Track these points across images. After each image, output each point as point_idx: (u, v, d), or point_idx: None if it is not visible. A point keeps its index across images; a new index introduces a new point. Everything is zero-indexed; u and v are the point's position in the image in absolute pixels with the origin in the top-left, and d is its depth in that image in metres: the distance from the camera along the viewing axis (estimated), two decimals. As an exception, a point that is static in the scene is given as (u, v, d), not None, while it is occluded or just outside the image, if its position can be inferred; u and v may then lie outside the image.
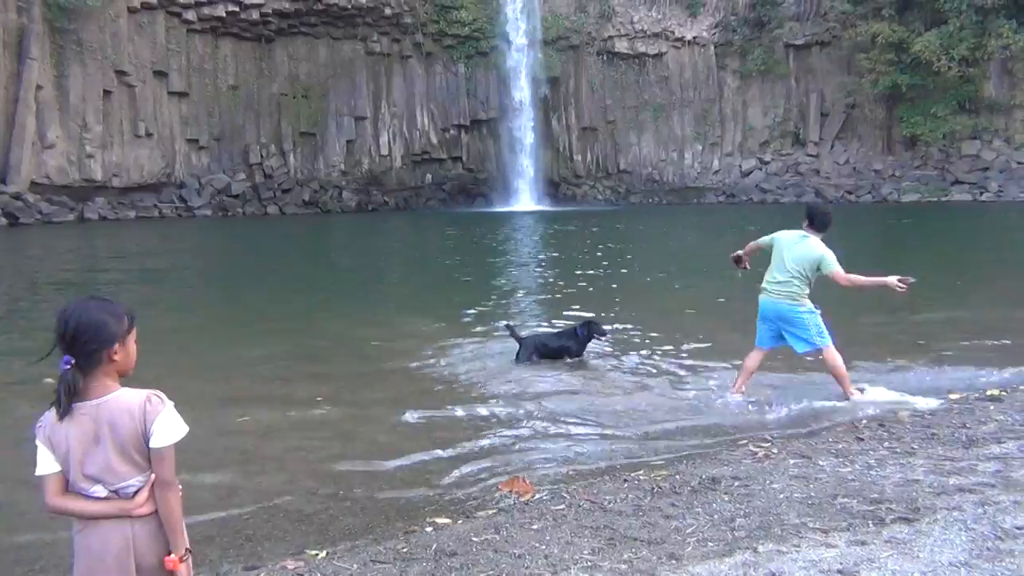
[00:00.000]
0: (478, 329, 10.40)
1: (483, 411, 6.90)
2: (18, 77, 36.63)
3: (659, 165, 52.64)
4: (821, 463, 5.15)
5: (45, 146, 37.80)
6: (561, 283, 14.96)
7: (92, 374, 2.44)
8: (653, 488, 4.82)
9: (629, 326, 10.44)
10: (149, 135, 42.23)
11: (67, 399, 2.41)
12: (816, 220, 7.16)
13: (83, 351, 2.42)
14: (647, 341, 9.54)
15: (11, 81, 36.60)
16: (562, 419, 6.67)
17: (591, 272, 16.57)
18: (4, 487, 5.29)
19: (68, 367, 2.40)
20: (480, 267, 18.39)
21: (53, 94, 38.16)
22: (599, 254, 20.52)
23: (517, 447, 6.00)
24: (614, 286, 14.53)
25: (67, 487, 2.48)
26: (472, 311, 11.69)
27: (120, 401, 2.46)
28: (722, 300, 12.61)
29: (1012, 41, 42.46)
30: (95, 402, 2.44)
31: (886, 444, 5.57)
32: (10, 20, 36.51)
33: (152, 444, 2.45)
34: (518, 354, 8.49)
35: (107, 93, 40.16)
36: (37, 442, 2.46)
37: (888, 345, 9.20)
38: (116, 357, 2.50)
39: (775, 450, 5.58)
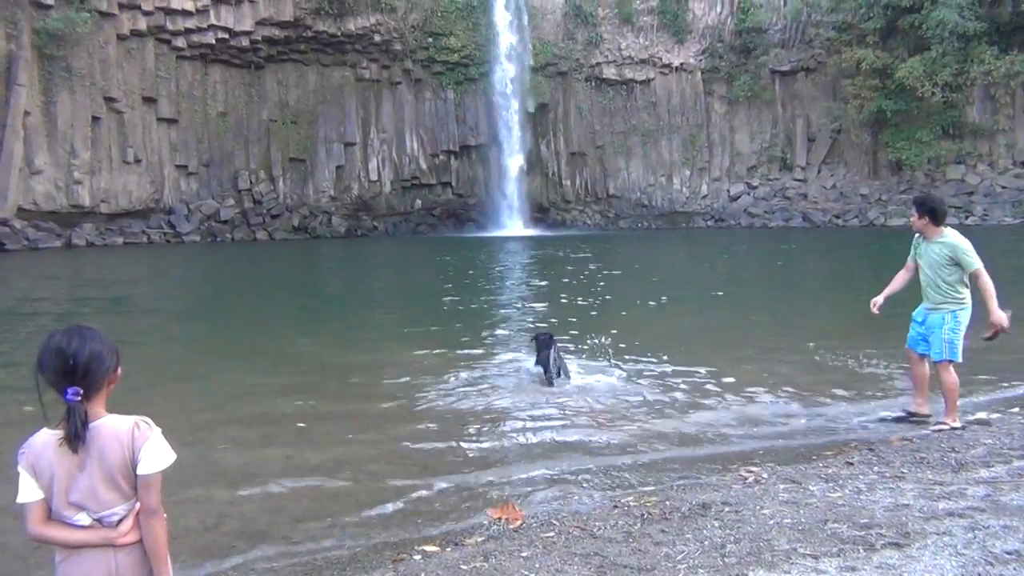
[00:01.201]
0: (469, 356, 10.37)
1: (472, 437, 6.87)
2: (6, 103, 36.61)
3: (648, 190, 52.91)
4: (811, 488, 5.15)
5: (32, 172, 37.70)
6: (554, 308, 14.95)
7: (90, 402, 2.43)
8: (643, 514, 4.80)
9: (622, 352, 10.43)
10: (138, 161, 42.19)
11: (83, 430, 2.39)
12: (938, 213, 6.84)
13: (90, 381, 2.41)
14: (638, 367, 9.53)
15: (-1, 107, 36.60)
16: (552, 446, 6.64)
17: (583, 297, 16.58)
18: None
19: (78, 398, 2.38)
20: (471, 292, 18.37)
21: (41, 120, 38.13)
22: (592, 279, 20.54)
23: (507, 474, 5.97)
24: (606, 311, 14.54)
25: (50, 515, 2.45)
26: (464, 338, 11.66)
27: (108, 427, 2.44)
28: (716, 325, 12.65)
29: (994, 67, 43.05)
30: (85, 432, 2.43)
31: (875, 468, 5.57)
32: (-1, 47, 36.58)
33: (139, 471, 2.44)
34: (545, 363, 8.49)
35: (95, 119, 40.15)
36: (19, 468, 2.44)
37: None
38: (112, 385, 2.51)
39: (765, 475, 5.57)
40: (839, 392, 8.11)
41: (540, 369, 8.56)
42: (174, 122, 44.13)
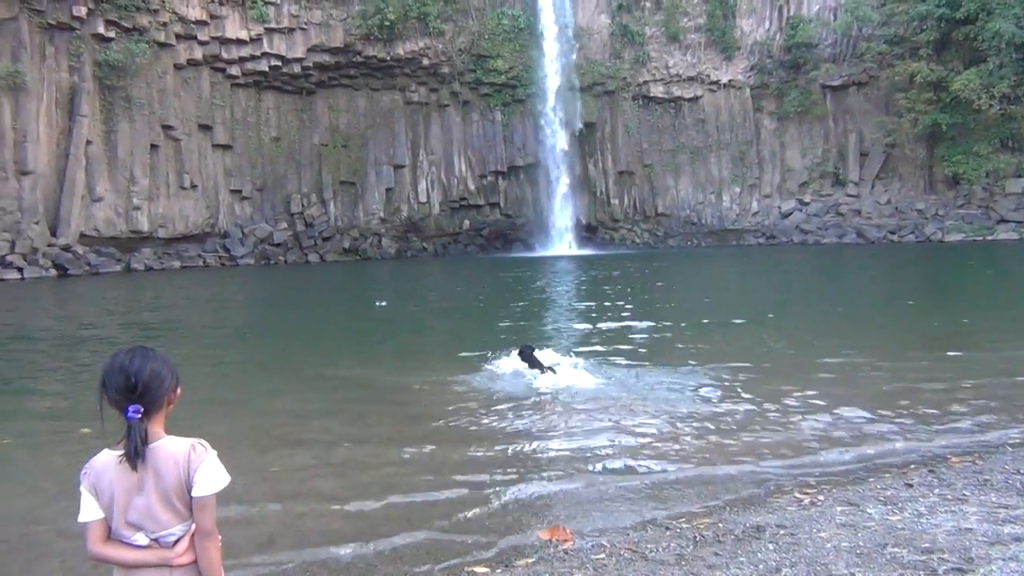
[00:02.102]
0: (517, 376, 10.35)
1: (522, 456, 6.85)
2: (69, 134, 37.88)
3: (697, 207, 52.53)
4: (869, 511, 5.02)
5: (94, 199, 38.89)
6: (607, 327, 14.89)
7: (149, 422, 2.49)
8: (696, 537, 4.73)
9: (674, 370, 10.34)
10: (194, 187, 43.26)
11: (143, 447, 2.45)
12: None
13: (150, 399, 2.47)
14: (691, 385, 9.43)
15: (63, 137, 37.85)
16: (603, 465, 6.59)
17: (638, 317, 16.48)
18: (49, 534, 5.35)
19: (139, 416, 2.44)
20: (521, 312, 18.39)
21: (102, 149, 39.35)
22: (644, 298, 20.43)
23: (555, 493, 5.93)
24: (660, 330, 14.43)
25: (109, 534, 2.51)
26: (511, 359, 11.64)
27: (166, 449, 2.49)
28: (775, 344, 12.48)
29: (1054, 77, 42.00)
30: (144, 450, 2.48)
31: (936, 491, 5.41)
32: (63, 79, 37.89)
33: (195, 493, 2.48)
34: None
35: (154, 147, 41.32)
36: (81, 488, 2.49)
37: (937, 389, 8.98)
38: (171, 405, 2.57)
39: (821, 497, 5.45)
40: (897, 412, 7.92)
41: (535, 371, 9.79)
42: (228, 148, 45.20)
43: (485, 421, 8.10)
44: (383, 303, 20.79)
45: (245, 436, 7.66)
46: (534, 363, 9.90)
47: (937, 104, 45.24)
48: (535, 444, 7.22)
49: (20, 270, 34.19)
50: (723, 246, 49.68)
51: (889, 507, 5.08)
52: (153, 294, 27.72)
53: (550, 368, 9.78)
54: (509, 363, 10.33)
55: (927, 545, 4.30)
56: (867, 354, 11.37)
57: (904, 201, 48.92)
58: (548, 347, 11.37)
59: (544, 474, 6.41)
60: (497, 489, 6.04)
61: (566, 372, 9.88)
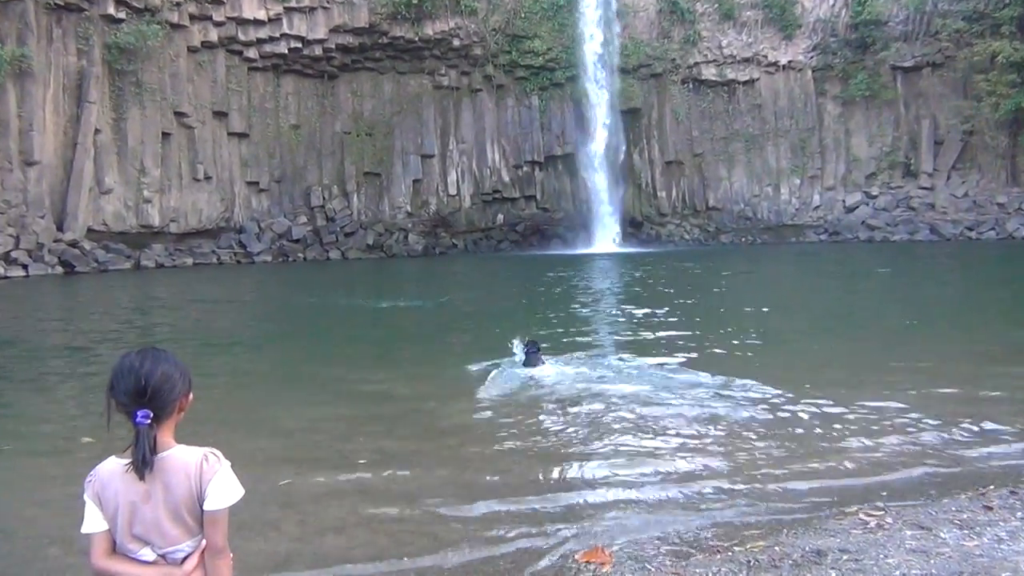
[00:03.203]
0: (553, 386, 10.35)
1: (557, 472, 6.83)
2: (77, 121, 38.55)
3: (752, 201, 52.13)
4: (943, 535, 4.94)
5: (102, 191, 39.54)
6: (657, 334, 14.85)
7: (159, 428, 2.51)
8: (749, 561, 4.68)
9: (730, 376, 10.29)
10: (208, 178, 43.81)
11: (151, 455, 2.47)
12: None
13: (161, 403, 2.49)
14: (747, 394, 9.36)
15: (70, 125, 38.54)
16: (647, 480, 6.55)
17: (690, 321, 16.41)
18: (52, 547, 5.44)
19: (148, 421, 2.46)
20: (560, 315, 18.38)
21: (111, 137, 40.01)
22: (698, 299, 20.31)
23: (596, 512, 5.91)
24: (716, 337, 14.33)
25: (114, 548, 2.53)
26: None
27: (176, 458, 2.51)
28: (840, 351, 12.35)
29: None
30: (153, 458, 2.50)
31: (1019, 514, 5.30)
32: (71, 64, 38.56)
33: (206, 506, 2.49)
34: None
35: (166, 135, 41.92)
36: (85, 498, 2.51)
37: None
38: (182, 412, 2.59)
39: (889, 519, 5.37)
40: (976, 428, 7.78)
41: (530, 367, 10.87)
42: (245, 136, 45.71)
43: (514, 431, 8.11)
44: (403, 303, 20.96)
45: (260, 447, 7.73)
46: (531, 361, 10.92)
47: (1021, 87, 44.37)
48: (568, 457, 7.20)
49: (25, 267, 34.84)
50: (781, 243, 49.23)
51: (966, 531, 4.98)
52: (164, 293, 28.11)
53: (533, 354, 10.95)
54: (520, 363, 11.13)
55: (1008, 574, 4.21)
56: (943, 364, 11.19)
57: (983, 194, 48.05)
58: (593, 352, 11.34)
59: (579, 490, 6.39)
60: (529, 507, 6.03)
61: (572, 373, 10.70)
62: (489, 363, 11.57)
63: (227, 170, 45.12)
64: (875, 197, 50.50)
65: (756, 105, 51.81)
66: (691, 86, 51.67)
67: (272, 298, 27.11)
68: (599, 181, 50.43)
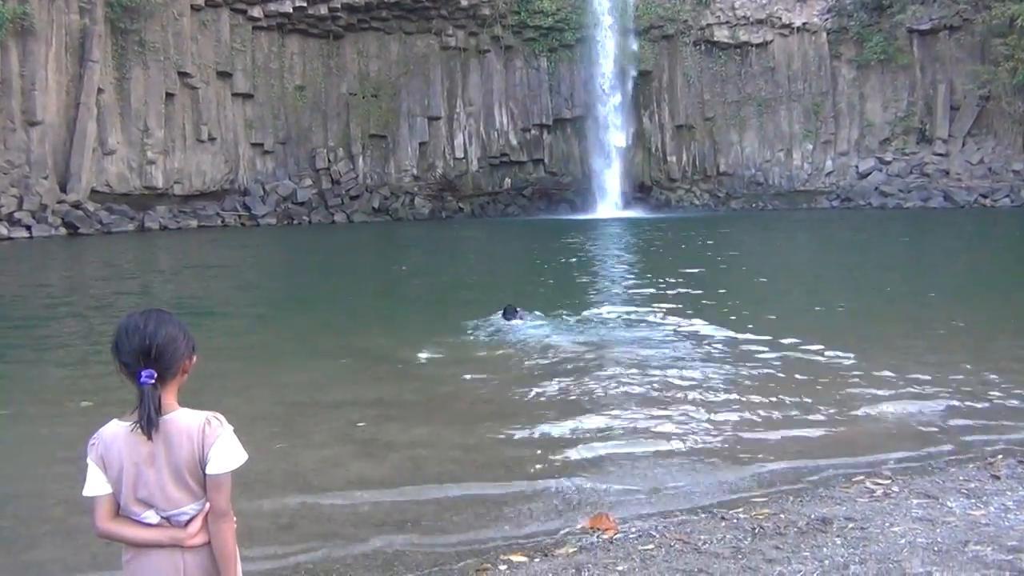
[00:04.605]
0: (560, 351, 10.39)
1: (563, 436, 6.87)
2: (79, 81, 38.40)
3: (764, 166, 51.83)
4: (950, 504, 4.96)
5: (105, 152, 39.50)
6: (673, 295, 14.90)
7: (163, 390, 2.53)
8: (754, 528, 4.71)
9: (732, 341, 10.30)
10: (212, 139, 43.71)
11: (157, 415, 2.49)
12: None
13: (165, 364, 2.51)
14: (751, 360, 9.37)
15: (72, 85, 38.40)
16: (652, 445, 6.58)
17: (701, 287, 16.41)
18: (57, 510, 5.50)
19: (152, 381, 2.48)
20: (569, 285, 18.40)
21: (114, 98, 39.88)
22: (710, 269, 20.30)
23: (600, 478, 5.94)
24: (731, 303, 14.36)
25: (118, 511, 2.55)
26: (554, 333, 11.71)
27: (179, 421, 2.52)
28: (851, 320, 12.39)
29: None
30: (158, 419, 2.51)
31: (1027, 484, 5.33)
32: (72, 22, 38.33)
33: (209, 470, 2.50)
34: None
35: (169, 96, 41.77)
36: (88, 460, 2.53)
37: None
38: (186, 374, 2.60)
39: (896, 488, 5.40)
40: (985, 398, 7.79)
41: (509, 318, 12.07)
42: (249, 97, 45.50)
43: (517, 394, 8.17)
44: (404, 268, 21.04)
45: (264, 413, 7.78)
46: (510, 316, 12.10)
47: (1040, 51, 43.83)
48: (571, 420, 7.24)
49: (28, 228, 34.90)
50: (792, 209, 48.99)
51: (972, 500, 5.01)
52: (167, 256, 28.18)
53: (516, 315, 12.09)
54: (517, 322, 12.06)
55: (1014, 543, 4.23)
56: (955, 334, 11.19)
57: (999, 161, 47.66)
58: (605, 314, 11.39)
59: (583, 454, 6.42)
60: (533, 471, 6.07)
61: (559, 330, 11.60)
62: (497, 323, 12.01)
63: (231, 131, 44.99)
64: (889, 163, 50.13)
65: (769, 68, 51.30)
66: (703, 48, 51.15)
67: (276, 262, 27.16)
68: (607, 145, 50.17)
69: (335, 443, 6.85)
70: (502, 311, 12.41)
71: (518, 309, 12.42)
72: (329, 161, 47.90)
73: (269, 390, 8.75)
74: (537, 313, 12.89)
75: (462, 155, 50.07)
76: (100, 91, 38.91)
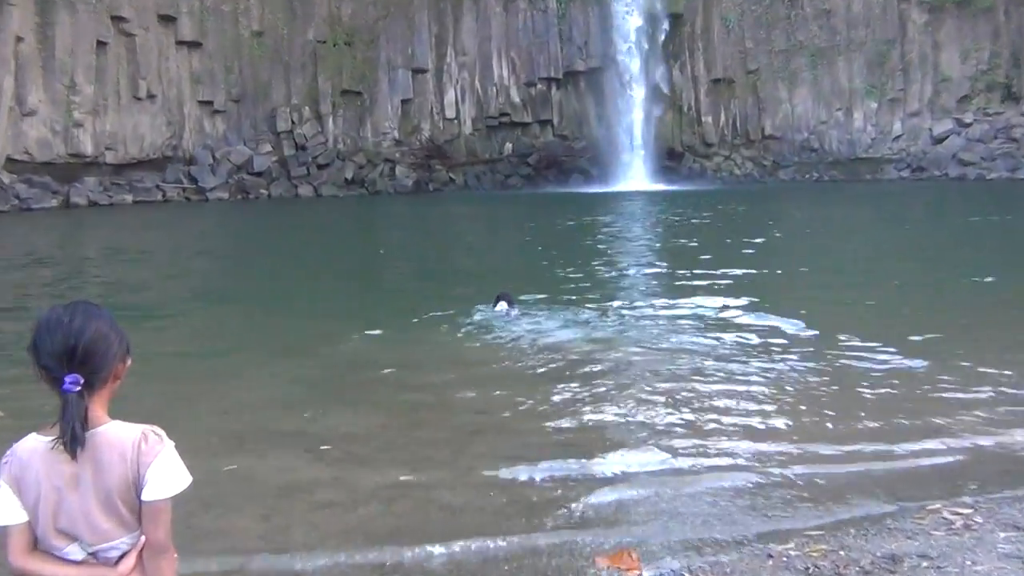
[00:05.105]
0: (566, 351, 10.40)
1: (567, 449, 6.85)
2: (-8, 26, 38.32)
3: (819, 129, 51.78)
4: (1044, 538, 4.95)
5: (25, 113, 39.42)
6: (706, 285, 14.99)
7: (91, 399, 2.49)
8: (808, 568, 4.70)
9: (785, 334, 10.35)
10: (152, 97, 43.65)
11: (83, 429, 2.45)
12: None
13: (93, 368, 2.46)
14: (800, 357, 9.39)
15: (-17, 31, 38.32)
16: (682, 466, 6.55)
17: (742, 272, 16.45)
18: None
19: (78, 388, 2.44)
20: (583, 268, 18.43)
21: (35, 48, 39.77)
22: (756, 249, 20.30)
23: (617, 500, 5.93)
24: (779, 291, 14.39)
25: (36, 543, 2.52)
26: (562, 337, 11.73)
27: (110, 437, 2.48)
28: (924, 316, 12.39)
29: None
30: (84, 434, 2.47)
31: None
32: (-17, -46, 38.24)
33: (145, 496, 2.47)
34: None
35: (101, 45, 41.66)
36: (0, 481, 2.50)
37: None
38: (118, 381, 2.56)
39: (979, 518, 5.38)
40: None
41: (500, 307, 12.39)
42: (197, 46, 45.44)
43: (514, 406, 8.14)
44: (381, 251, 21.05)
45: (213, 427, 7.76)
46: (501, 304, 12.42)
47: None
48: (581, 436, 7.22)
49: (-70, 204, 34.88)
50: (853, 181, 48.98)
51: (1072, 534, 4.99)
52: (97, 238, 28.15)
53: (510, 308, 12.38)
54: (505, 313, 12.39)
55: (1123, 586, 4.22)
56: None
57: (1102, 122, 47.66)
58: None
59: (599, 473, 6.39)
60: (545, 501, 6.04)
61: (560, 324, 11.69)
62: (469, 314, 12.29)
63: (175, 87, 44.93)
64: (968, 125, 50.05)
65: (824, 11, 51.21)
66: (745, -14, 51.17)
67: (228, 245, 27.14)
68: (630, 103, 50.09)
69: (299, 465, 6.81)
70: (494, 301, 12.54)
71: (513, 300, 12.54)
72: (292, 123, 47.84)
73: (218, 400, 8.73)
74: (538, 305, 12.94)
75: (453, 115, 50.02)
76: (19, 40, 38.80)
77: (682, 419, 7.63)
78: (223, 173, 45.37)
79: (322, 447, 7.27)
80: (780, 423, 7.51)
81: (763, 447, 6.94)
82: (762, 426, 7.44)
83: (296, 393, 8.97)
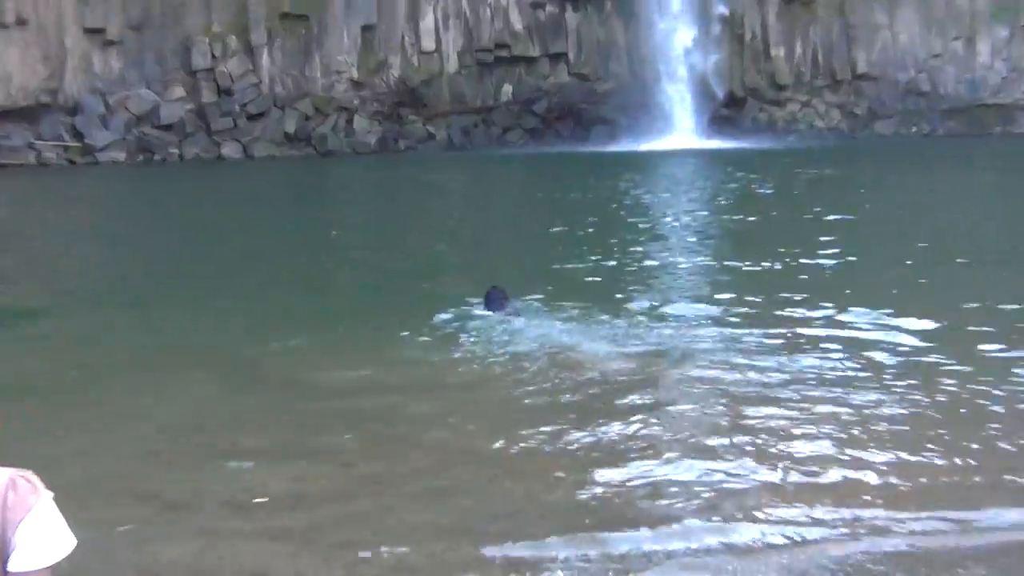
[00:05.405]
0: (575, 364, 10.40)
1: (604, 529, 6.84)
2: None
3: (930, 65, 51.75)
4: None
5: None
6: (771, 282, 14.96)
7: None
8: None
9: (872, 345, 10.35)
10: (21, 23, 43.57)
11: None
12: None
13: None
14: (896, 385, 9.39)
15: None
16: (754, 540, 6.57)
17: (820, 262, 16.46)
18: None
19: None
20: (604, 257, 18.43)
21: None
22: (842, 231, 20.34)
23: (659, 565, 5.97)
24: (868, 289, 14.41)
25: None
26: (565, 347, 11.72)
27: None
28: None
29: None
30: None
31: None
32: None
33: (12, 565, 2.50)
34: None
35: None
36: None
37: None
38: None
39: None
40: None
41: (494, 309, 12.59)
42: (82, -47, 45.34)
43: (517, 447, 8.08)
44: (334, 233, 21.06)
45: (106, 471, 7.77)
46: (496, 306, 12.60)
47: None
48: (614, 493, 7.17)
49: None
50: (977, 135, 48.94)
51: None
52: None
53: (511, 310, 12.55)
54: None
55: None
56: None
57: None
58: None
59: (635, 551, 6.40)
60: (551, 553, 6.08)
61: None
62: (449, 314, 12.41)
63: (53, 11, 44.87)
64: None
65: (939, -98, 51.34)
66: None
67: (125, 226, 27.10)
68: (673, 32, 50.04)
69: (220, 521, 6.83)
70: (484, 299, 12.68)
71: (508, 298, 12.65)
72: (214, 58, 47.74)
73: (108, 434, 8.73)
74: (545, 305, 13.00)
75: (432, 47, 49.93)
76: None
77: (748, 473, 7.58)
78: (119, 127, 45.22)
79: (255, 500, 7.28)
80: (885, 476, 7.49)
81: (866, 513, 6.93)
82: (861, 481, 7.41)
83: (212, 425, 8.94)
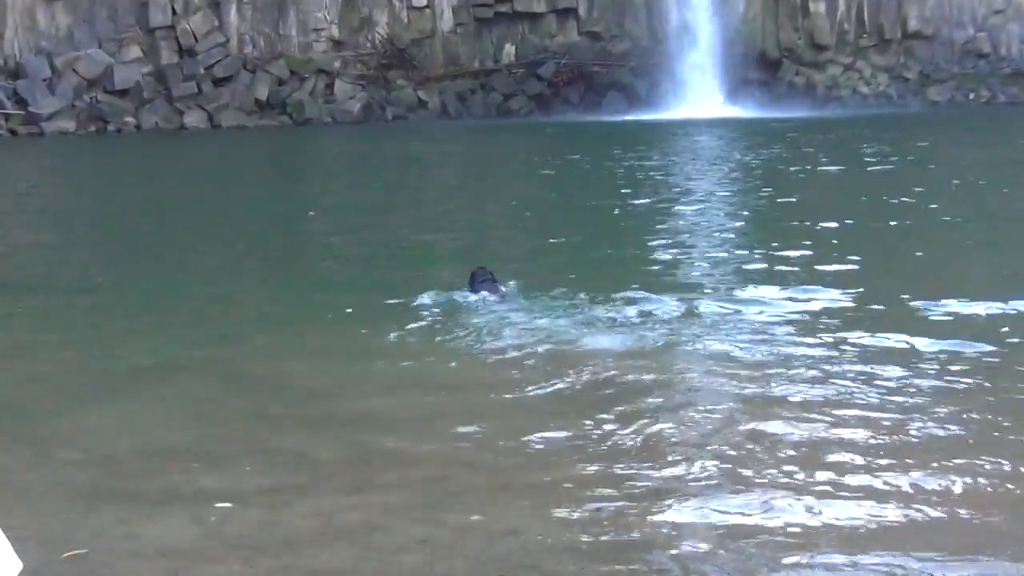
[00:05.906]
0: (574, 358, 10.42)
1: (612, 563, 6.85)
2: None
3: (989, 24, 51.76)
4: None
5: None
6: (804, 273, 14.99)
7: None
8: None
9: (916, 352, 10.34)
10: (-48, -27, 43.64)
11: None
12: None
13: None
14: (941, 398, 9.37)
15: None
16: (798, 522, 6.58)
17: (860, 255, 16.49)
18: None
19: None
20: (612, 240, 18.45)
21: None
22: (885, 216, 20.37)
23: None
24: (915, 287, 14.42)
25: None
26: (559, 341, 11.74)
27: None
28: None
29: None
30: None
31: None
32: None
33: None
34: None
35: None
36: None
37: None
38: None
39: None
40: None
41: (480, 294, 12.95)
42: None
43: (496, 449, 8.11)
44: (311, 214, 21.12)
45: (47, 487, 7.79)
46: (481, 288, 12.96)
47: None
48: (597, 504, 7.21)
49: None
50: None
51: None
52: None
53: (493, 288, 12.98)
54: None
55: None
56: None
57: None
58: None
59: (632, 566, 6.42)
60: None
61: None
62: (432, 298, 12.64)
63: (-11, -43, 44.96)
64: None
65: None
66: None
67: (75, 204, 27.16)
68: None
69: (184, 533, 6.85)
70: (470, 282, 12.96)
71: (495, 281, 12.96)
72: (174, 13, 47.77)
73: (59, 446, 8.75)
74: (544, 292, 13.08)
75: (423, 2, 49.97)
76: None
77: (779, 498, 7.58)
78: (67, 92, 45.28)
79: (212, 518, 7.30)
80: (898, 492, 7.50)
81: (887, 517, 6.95)
82: (872, 490, 7.43)
83: (175, 429, 8.97)
